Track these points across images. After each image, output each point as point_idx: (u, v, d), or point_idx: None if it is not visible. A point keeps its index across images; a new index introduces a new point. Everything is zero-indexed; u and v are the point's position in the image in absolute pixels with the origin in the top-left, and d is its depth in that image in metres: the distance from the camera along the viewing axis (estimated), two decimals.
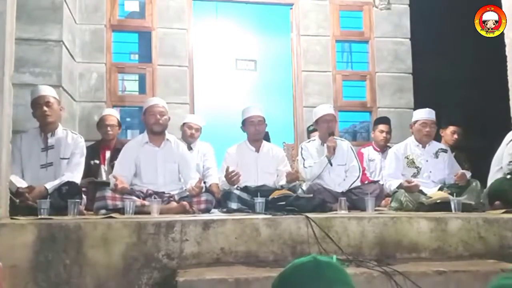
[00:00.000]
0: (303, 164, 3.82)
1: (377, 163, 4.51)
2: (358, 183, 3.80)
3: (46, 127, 3.31)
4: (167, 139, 3.51)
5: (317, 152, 3.87)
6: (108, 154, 4.14)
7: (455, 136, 4.58)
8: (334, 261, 0.91)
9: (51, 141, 3.31)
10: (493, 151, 3.87)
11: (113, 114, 4.32)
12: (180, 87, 5.21)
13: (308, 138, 4.64)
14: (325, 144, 3.83)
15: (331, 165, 3.70)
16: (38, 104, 3.29)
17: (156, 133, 3.45)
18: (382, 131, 4.55)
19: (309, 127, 4.85)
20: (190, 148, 4.31)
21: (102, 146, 4.20)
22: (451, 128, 4.61)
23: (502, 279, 0.75)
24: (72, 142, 3.35)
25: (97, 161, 4.09)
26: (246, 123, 3.86)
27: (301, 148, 3.96)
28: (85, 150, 3.46)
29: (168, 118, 3.52)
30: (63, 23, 4.35)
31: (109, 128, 4.17)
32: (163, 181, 3.40)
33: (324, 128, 3.86)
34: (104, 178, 4.06)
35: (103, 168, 4.12)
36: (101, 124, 4.24)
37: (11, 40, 2.65)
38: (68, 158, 3.30)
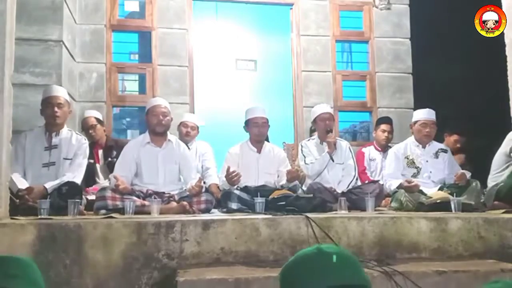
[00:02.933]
0: (304, 161, 3.86)
1: (378, 163, 4.52)
2: (355, 183, 3.82)
3: (52, 127, 3.32)
4: (169, 140, 3.51)
5: (317, 150, 3.92)
6: (100, 152, 4.17)
7: (457, 145, 4.67)
8: (339, 249, 0.90)
9: (55, 140, 3.31)
10: (493, 151, 3.87)
11: (91, 115, 4.32)
12: (180, 87, 5.20)
13: (310, 137, 4.65)
14: (324, 143, 3.88)
15: (332, 160, 3.75)
16: (49, 104, 3.30)
17: (158, 133, 3.45)
18: (384, 131, 4.56)
19: (312, 126, 4.86)
20: (188, 148, 4.30)
21: (94, 146, 4.22)
22: (455, 137, 4.73)
23: (490, 284, 0.75)
24: (76, 143, 3.35)
25: (91, 160, 4.10)
26: (249, 124, 3.85)
27: (301, 146, 4.00)
28: (88, 152, 3.47)
29: (171, 118, 3.52)
30: (63, 23, 4.35)
31: (90, 131, 4.22)
32: (163, 181, 3.40)
33: (321, 127, 3.91)
34: (100, 176, 4.07)
35: (98, 167, 4.14)
36: (83, 128, 4.30)
37: (11, 40, 2.65)
38: (71, 159, 3.31)
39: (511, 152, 3.68)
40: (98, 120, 4.32)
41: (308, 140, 4.10)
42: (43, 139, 3.31)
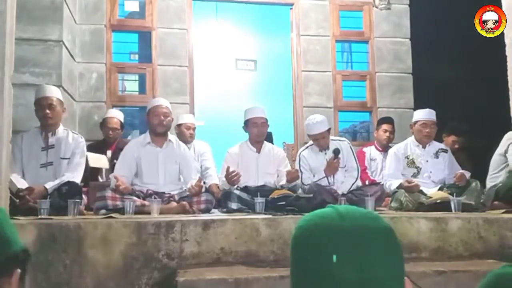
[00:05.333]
0: (301, 178, 3.73)
1: (379, 163, 4.51)
2: (358, 184, 3.79)
3: (46, 127, 3.32)
4: (169, 140, 3.51)
5: (316, 159, 3.81)
6: (109, 154, 4.17)
7: (456, 146, 4.66)
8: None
9: (51, 140, 3.31)
10: (492, 151, 3.87)
11: (116, 117, 4.35)
12: (180, 87, 5.21)
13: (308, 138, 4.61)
14: (323, 151, 3.80)
15: (329, 183, 3.67)
16: (41, 105, 3.28)
17: (159, 134, 3.45)
18: (385, 131, 4.56)
19: None
20: None
21: (105, 146, 4.24)
22: (453, 137, 4.70)
23: (504, 268, 0.74)
24: (73, 142, 3.35)
25: None
26: (248, 124, 3.84)
27: (299, 159, 3.86)
28: (86, 150, 3.47)
29: (172, 119, 3.53)
30: (63, 23, 4.35)
31: (110, 132, 4.25)
32: (163, 181, 3.40)
33: (317, 145, 3.80)
34: (104, 176, 4.09)
35: (104, 168, 4.14)
36: (104, 125, 4.33)
37: (11, 40, 2.65)
38: (69, 158, 3.30)
39: (506, 153, 3.70)
40: (121, 124, 4.35)
41: (307, 147, 3.94)
42: (39, 140, 3.30)
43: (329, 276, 0.68)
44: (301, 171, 3.76)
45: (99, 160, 3.90)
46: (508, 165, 3.67)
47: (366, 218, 0.73)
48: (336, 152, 3.70)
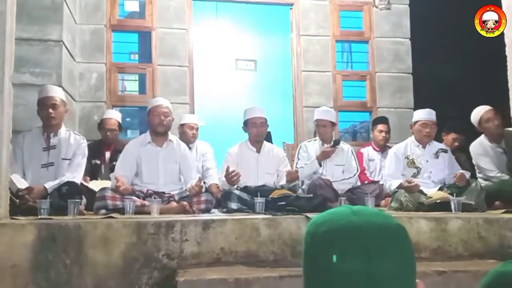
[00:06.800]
0: (297, 164, 3.89)
1: (377, 163, 4.52)
2: (355, 181, 3.84)
3: (49, 128, 3.32)
4: (170, 140, 3.52)
5: (316, 150, 3.93)
6: (108, 154, 4.17)
7: (456, 143, 4.64)
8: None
9: (53, 141, 3.31)
10: None
11: (114, 118, 4.32)
12: (180, 87, 5.21)
13: (315, 136, 4.65)
14: (325, 144, 3.88)
15: (320, 166, 3.79)
16: (44, 105, 3.28)
17: (159, 133, 3.45)
18: (381, 131, 4.56)
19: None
20: (189, 148, 4.30)
21: (103, 146, 4.23)
22: (453, 135, 4.68)
23: (506, 265, 0.74)
24: (74, 143, 3.35)
25: (98, 161, 4.12)
26: (248, 124, 3.86)
27: (300, 147, 4.02)
28: (87, 151, 3.46)
29: (172, 119, 3.53)
30: (63, 23, 4.35)
31: (108, 133, 4.23)
32: (163, 181, 3.40)
33: (319, 132, 3.96)
34: (103, 177, 4.09)
35: (103, 168, 4.14)
36: (101, 126, 4.31)
37: (11, 40, 2.65)
38: (70, 159, 3.30)
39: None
40: (119, 125, 4.33)
41: (309, 141, 4.10)
42: (41, 140, 3.30)
43: (337, 269, 0.69)
44: (298, 158, 3.87)
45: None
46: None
47: (378, 216, 0.75)
48: (336, 142, 3.87)
